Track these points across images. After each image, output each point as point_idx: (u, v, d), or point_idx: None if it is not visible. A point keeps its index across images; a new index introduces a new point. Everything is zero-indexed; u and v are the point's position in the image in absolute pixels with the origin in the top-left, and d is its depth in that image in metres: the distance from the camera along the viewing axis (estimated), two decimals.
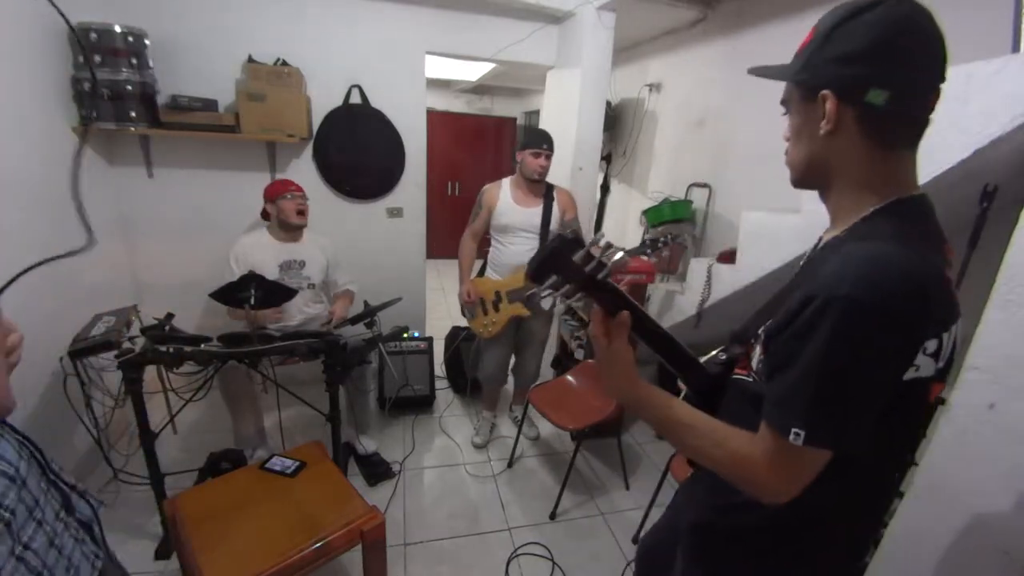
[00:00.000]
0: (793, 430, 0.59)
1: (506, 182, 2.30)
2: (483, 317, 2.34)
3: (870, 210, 0.66)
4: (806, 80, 0.66)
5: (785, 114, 0.73)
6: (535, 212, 2.22)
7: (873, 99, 0.61)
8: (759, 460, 0.63)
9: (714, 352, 0.87)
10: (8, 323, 0.64)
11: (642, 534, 1.97)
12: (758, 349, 0.73)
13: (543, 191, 2.24)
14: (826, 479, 0.62)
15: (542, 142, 2.16)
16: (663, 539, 1.12)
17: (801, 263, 0.81)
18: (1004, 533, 1.08)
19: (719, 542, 0.83)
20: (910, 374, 0.60)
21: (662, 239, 2.02)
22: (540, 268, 0.65)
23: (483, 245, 2.41)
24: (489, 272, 2.38)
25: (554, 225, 2.24)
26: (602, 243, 0.66)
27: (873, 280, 0.57)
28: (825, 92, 0.63)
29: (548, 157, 2.17)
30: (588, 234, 3.02)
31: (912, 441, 0.76)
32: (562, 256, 0.64)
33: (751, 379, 0.76)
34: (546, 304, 0.64)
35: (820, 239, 0.79)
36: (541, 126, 3.35)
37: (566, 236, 0.65)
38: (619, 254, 0.65)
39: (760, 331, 0.73)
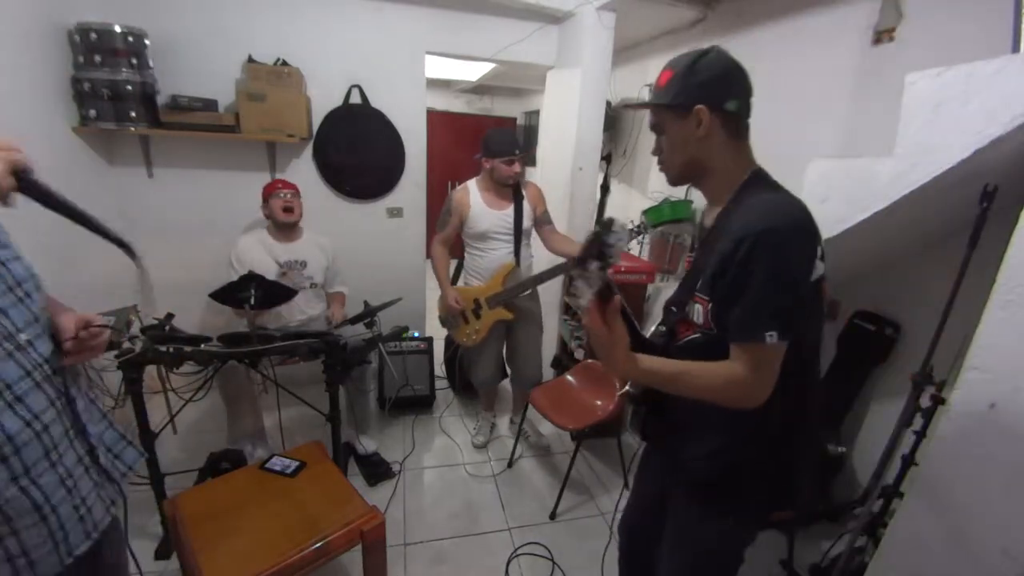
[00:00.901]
0: (767, 334, 0.79)
1: (473, 186, 2.20)
2: (465, 327, 2.30)
3: (739, 183, 0.91)
4: (682, 102, 0.89)
5: (659, 136, 0.96)
6: (508, 214, 2.16)
7: (730, 107, 0.88)
8: (744, 373, 0.82)
9: (654, 328, 1.05)
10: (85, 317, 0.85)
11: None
12: (698, 307, 0.92)
13: (512, 190, 2.17)
14: (783, 377, 0.83)
15: (514, 148, 2.04)
16: (646, 514, 1.22)
17: (696, 243, 1.04)
18: (1004, 533, 1.08)
19: (726, 481, 0.98)
20: (815, 275, 0.84)
21: (626, 225, 2.00)
22: (588, 254, 0.76)
23: (453, 251, 2.35)
24: (466, 279, 2.32)
25: (527, 223, 2.19)
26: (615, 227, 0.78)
27: (783, 212, 0.83)
28: (700, 107, 0.87)
29: (522, 161, 2.08)
30: (581, 232, 3.01)
31: (821, 331, 0.97)
32: (604, 241, 0.75)
33: (699, 334, 0.94)
34: (585, 300, 0.70)
35: (702, 221, 1.05)
36: (541, 126, 3.35)
37: (605, 221, 0.78)
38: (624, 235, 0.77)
39: (697, 292, 0.92)
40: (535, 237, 2.31)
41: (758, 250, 0.79)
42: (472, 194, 2.19)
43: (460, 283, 2.37)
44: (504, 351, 2.49)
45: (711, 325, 0.90)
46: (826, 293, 0.92)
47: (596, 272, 0.75)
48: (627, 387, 1.02)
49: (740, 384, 0.82)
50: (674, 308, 1.00)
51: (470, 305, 2.27)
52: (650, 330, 1.05)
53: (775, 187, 0.91)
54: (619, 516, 2.11)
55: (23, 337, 0.75)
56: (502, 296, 2.20)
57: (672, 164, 0.97)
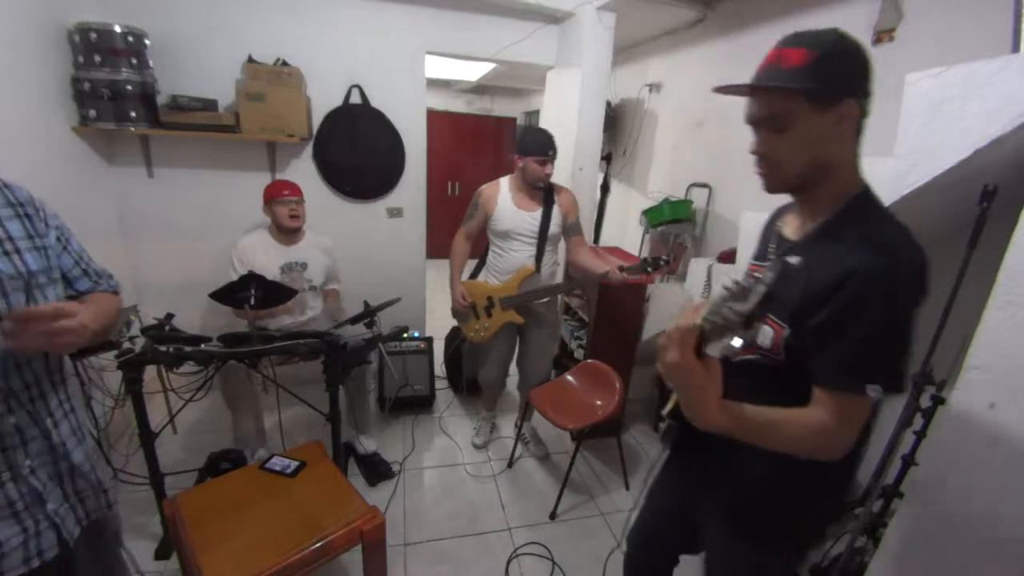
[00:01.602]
0: (870, 387, 0.71)
1: (504, 183, 2.17)
2: (475, 322, 2.27)
3: (849, 197, 0.80)
4: (832, 92, 0.74)
5: (775, 131, 0.79)
6: (535, 216, 2.11)
7: (864, 104, 0.76)
8: (832, 423, 0.73)
9: None
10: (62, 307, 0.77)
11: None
12: (767, 330, 0.81)
13: (544, 193, 2.13)
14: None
15: (547, 148, 2.00)
16: (660, 526, 1.17)
17: (778, 253, 0.89)
18: (1004, 533, 1.08)
19: (769, 513, 0.91)
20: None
21: (663, 258, 1.98)
22: (758, 311, 0.62)
23: (476, 246, 2.32)
24: (486, 276, 2.28)
25: (554, 229, 2.13)
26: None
27: (904, 252, 0.72)
28: (851, 101, 0.74)
29: (553, 163, 2.04)
30: (587, 235, 3.01)
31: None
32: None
33: (758, 356, 0.84)
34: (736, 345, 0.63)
35: (775, 227, 0.93)
36: (541, 126, 3.35)
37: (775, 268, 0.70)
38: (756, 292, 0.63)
39: (770, 314, 0.81)
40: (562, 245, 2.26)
41: (873, 294, 0.70)
42: (502, 191, 2.15)
43: (480, 279, 2.32)
44: (516, 354, 2.44)
45: (780, 352, 0.81)
46: None
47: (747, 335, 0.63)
48: (672, 404, 0.87)
49: (828, 436, 0.74)
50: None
51: (482, 302, 2.22)
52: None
53: (886, 215, 0.79)
54: (618, 516, 2.14)
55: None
56: (515, 299, 2.15)
57: (790, 168, 0.80)
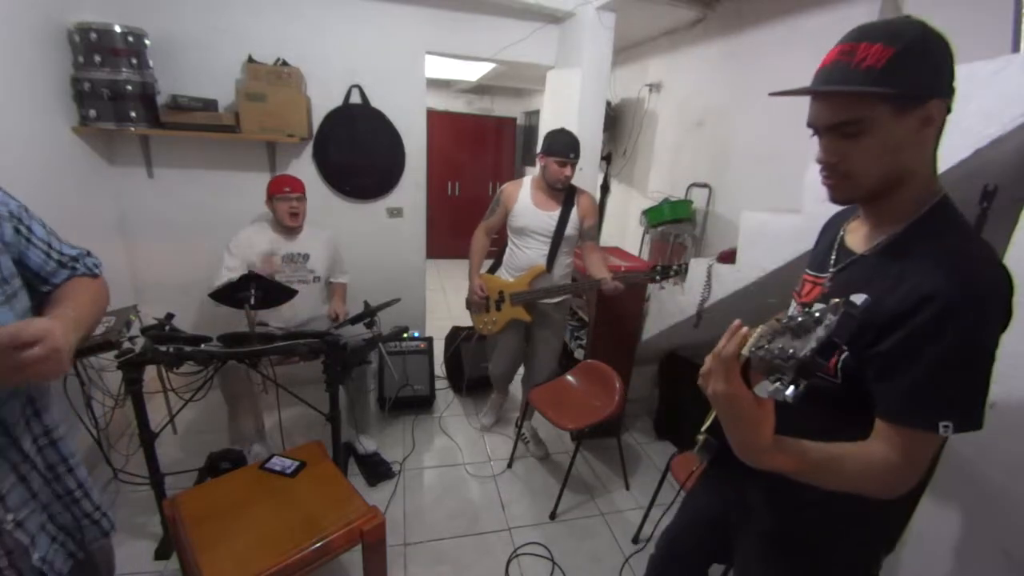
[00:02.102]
0: (941, 424, 0.64)
1: (527, 182, 2.24)
2: (485, 315, 2.34)
3: (926, 208, 0.72)
4: (917, 93, 0.65)
5: (850, 136, 0.69)
6: (552, 216, 2.16)
7: (951, 103, 0.68)
8: (899, 461, 0.66)
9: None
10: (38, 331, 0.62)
11: (642, 534, 1.98)
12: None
13: (564, 195, 2.18)
14: None
15: (569, 151, 2.04)
16: (695, 532, 1.12)
17: (831, 266, 0.83)
18: (1004, 533, 1.08)
19: (809, 546, 0.85)
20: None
21: (674, 267, 2.01)
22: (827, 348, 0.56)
23: (495, 242, 2.40)
24: (501, 271, 2.34)
25: (571, 230, 2.16)
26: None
27: (990, 277, 0.65)
28: (936, 101, 0.66)
29: (574, 166, 2.09)
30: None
31: None
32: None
33: (822, 379, 0.76)
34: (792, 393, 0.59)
35: (837, 234, 0.84)
36: (541, 126, 3.35)
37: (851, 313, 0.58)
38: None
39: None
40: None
41: (952, 320, 0.63)
42: (523, 189, 2.21)
43: (498, 273, 2.38)
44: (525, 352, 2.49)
45: (836, 375, 0.74)
46: None
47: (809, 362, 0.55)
48: (704, 438, 0.82)
49: (892, 474, 0.67)
50: None
51: (494, 296, 2.28)
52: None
53: (967, 227, 0.72)
54: (618, 516, 2.14)
55: None
56: (523, 296, 2.20)
57: (865, 177, 0.71)
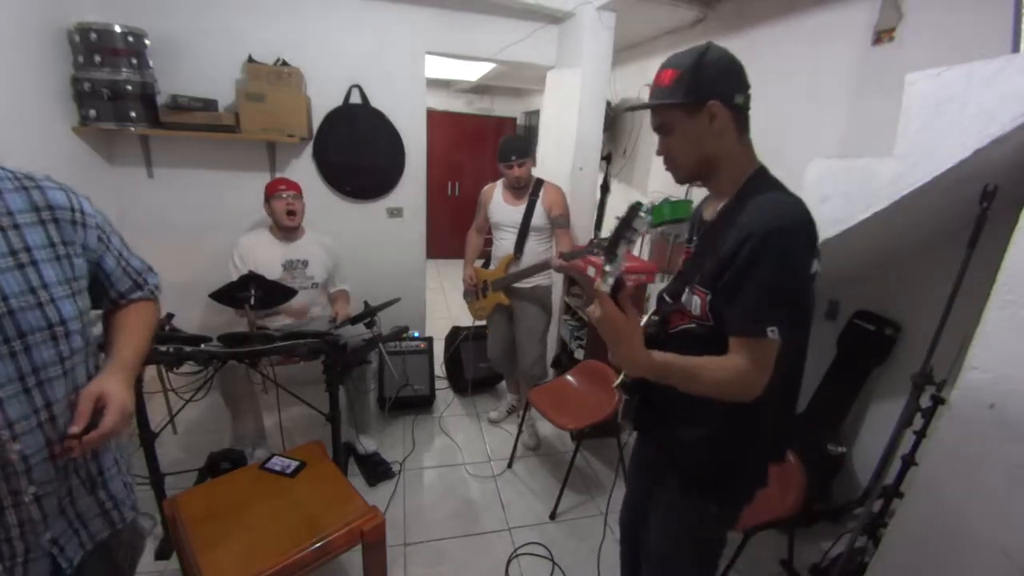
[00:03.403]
0: (768, 329, 0.82)
1: (500, 183, 2.45)
2: (476, 302, 2.61)
3: (745, 178, 0.94)
4: (695, 99, 0.89)
5: (666, 136, 0.96)
6: (518, 210, 2.36)
7: (738, 101, 0.91)
8: (747, 366, 0.84)
9: (646, 316, 1.08)
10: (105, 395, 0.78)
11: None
12: (696, 299, 0.95)
13: (528, 191, 2.35)
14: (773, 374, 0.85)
15: (510, 155, 2.23)
16: (640, 506, 1.25)
17: (695, 235, 1.08)
18: (1004, 533, 1.08)
19: (712, 469, 1.02)
20: (813, 270, 0.86)
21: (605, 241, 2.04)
22: (616, 239, 0.79)
23: (489, 241, 2.59)
24: (489, 263, 2.56)
25: (537, 221, 2.33)
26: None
27: (790, 213, 0.86)
28: (713, 102, 0.88)
29: (521, 165, 2.23)
30: (588, 233, 3.02)
31: (809, 329, 0.95)
32: (630, 224, 0.79)
33: (693, 324, 0.97)
34: (608, 285, 0.72)
35: (699, 213, 1.08)
36: (541, 126, 3.35)
37: (635, 205, 0.81)
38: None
39: (695, 283, 0.95)
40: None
41: (765, 249, 0.82)
42: (497, 190, 2.45)
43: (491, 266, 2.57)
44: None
45: (708, 317, 0.93)
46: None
47: (623, 256, 0.78)
48: (622, 377, 1.01)
49: (745, 376, 0.84)
50: (669, 298, 1.04)
51: (481, 284, 2.55)
52: (642, 319, 1.07)
53: (778, 186, 0.94)
54: (617, 515, 2.13)
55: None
56: (501, 282, 2.42)
57: (684, 163, 0.97)
